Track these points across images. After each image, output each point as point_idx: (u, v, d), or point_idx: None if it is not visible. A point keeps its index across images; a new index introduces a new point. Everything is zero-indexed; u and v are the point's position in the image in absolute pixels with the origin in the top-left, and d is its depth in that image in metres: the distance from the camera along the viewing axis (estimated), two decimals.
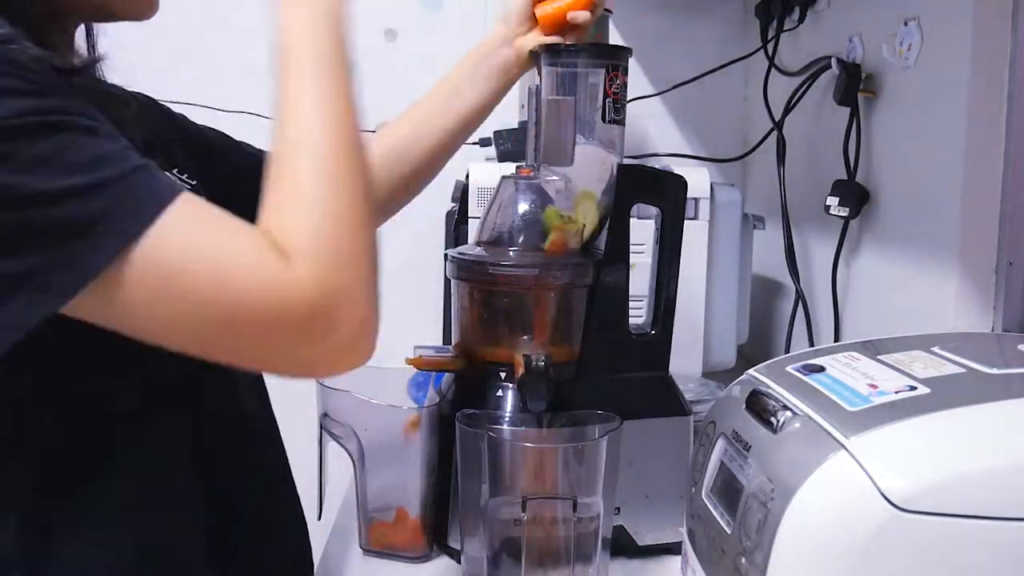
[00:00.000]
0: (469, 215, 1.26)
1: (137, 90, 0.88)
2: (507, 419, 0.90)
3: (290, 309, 0.59)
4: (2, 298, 0.56)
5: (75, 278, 0.56)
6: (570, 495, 0.81)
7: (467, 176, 1.27)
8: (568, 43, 0.98)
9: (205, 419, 0.77)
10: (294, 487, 0.90)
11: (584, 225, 0.95)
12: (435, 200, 1.36)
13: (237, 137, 1.00)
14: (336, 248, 0.62)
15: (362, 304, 0.64)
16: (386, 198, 1.05)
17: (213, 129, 0.97)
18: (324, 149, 0.64)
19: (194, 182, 0.82)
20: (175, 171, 0.81)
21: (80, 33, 0.78)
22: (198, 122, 0.96)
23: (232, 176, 0.92)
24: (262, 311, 0.59)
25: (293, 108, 0.65)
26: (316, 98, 0.65)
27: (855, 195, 1.17)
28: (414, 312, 1.61)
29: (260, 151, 1.00)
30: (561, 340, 0.94)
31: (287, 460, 0.90)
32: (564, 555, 0.82)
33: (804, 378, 0.69)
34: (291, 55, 0.67)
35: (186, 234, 0.58)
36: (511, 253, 0.95)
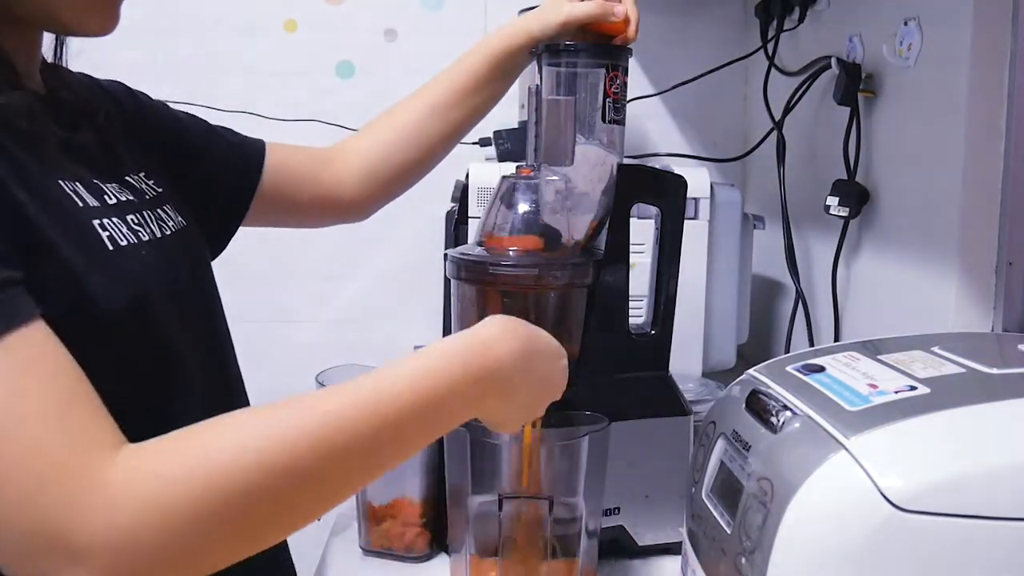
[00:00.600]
0: (469, 215, 1.25)
1: (111, 78, 0.85)
2: None
3: (55, 536, 0.48)
4: None
5: None
6: (547, 495, 0.81)
7: (467, 176, 1.27)
8: (568, 43, 0.98)
9: None
10: None
11: None
12: (435, 200, 1.36)
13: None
14: (157, 543, 0.50)
15: None
16: (393, 178, 1.04)
17: (193, 119, 0.94)
18: (274, 460, 0.53)
19: (160, 189, 0.80)
20: (143, 175, 0.79)
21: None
22: (178, 112, 0.92)
23: (208, 177, 0.91)
24: (28, 519, 0.48)
25: (317, 412, 0.56)
26: (341, 429, 0.55)
27: (855, 195, 1.16)
28: (414, 312, 1.61)
29: (241, 140, 0.97)
30: (561, 340, 0.94)
31: None
32: (544, 554, 0.82)
33: (804, 378, 0.69)
34: (390, 389, 0.59)
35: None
36: (511, 253, 0.95)
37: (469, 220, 1.25)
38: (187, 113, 0.94)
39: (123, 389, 0.60)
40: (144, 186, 0.77)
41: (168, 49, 1.58)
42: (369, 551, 0.96)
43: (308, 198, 1.01)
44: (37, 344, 0.53)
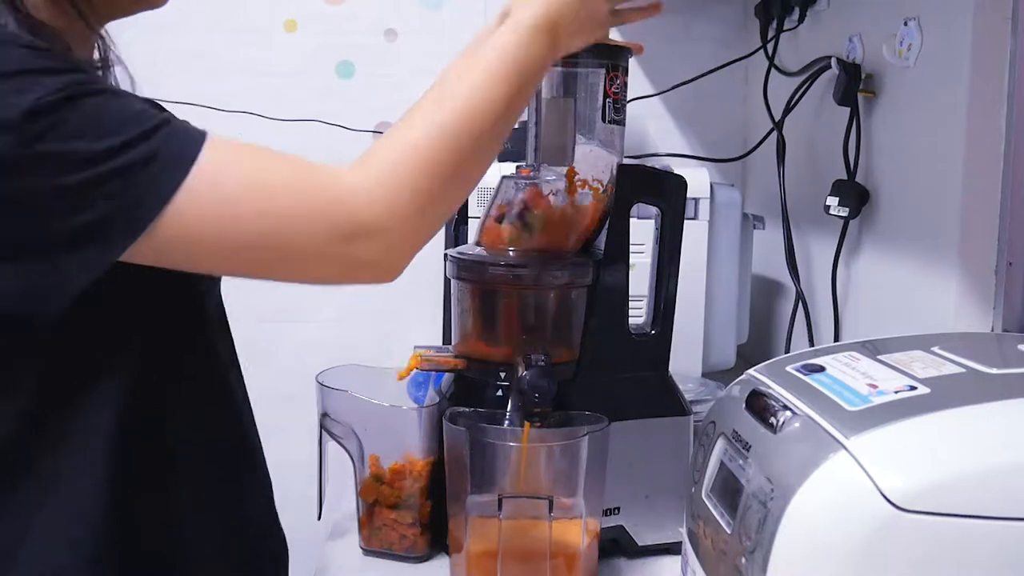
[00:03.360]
0: (469, 215, 1.26)
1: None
2: (506, 419, 0.90)
3: (343, 202, 0.66)
4: (79, 245, 0.62)
5: (145, 212, 0.62)
6: (547, 495, 0.81)
7: None
8: None
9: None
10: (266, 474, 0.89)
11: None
12: None
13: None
14: (411, 174, 0.68)
15: (410, 234, 0.70)
16: None
17: None
18: (457, 115, 0.71)
19: None
20: None
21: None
22: None
23: None
24: (316, 196, 0.66)
25: (457, 77, 0.74)
26: (483, 79, 0.73)
27: (855, 195, 1.17)
28: (414, 312, 1.61)
29: None
30: (561, 340, 0.94)
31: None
32: (543, 554, 0.82)
33: (804, 378, 0.69)
34: (494, 46, 0.76)
35: (232, 151, 0.67)
36: (511, 253, 0.95)
37: (469, 220, 1.25)
38: None
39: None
40: None
41: (168, 49, 1.58)
42: (369, 551, 0.96)
43: None
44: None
